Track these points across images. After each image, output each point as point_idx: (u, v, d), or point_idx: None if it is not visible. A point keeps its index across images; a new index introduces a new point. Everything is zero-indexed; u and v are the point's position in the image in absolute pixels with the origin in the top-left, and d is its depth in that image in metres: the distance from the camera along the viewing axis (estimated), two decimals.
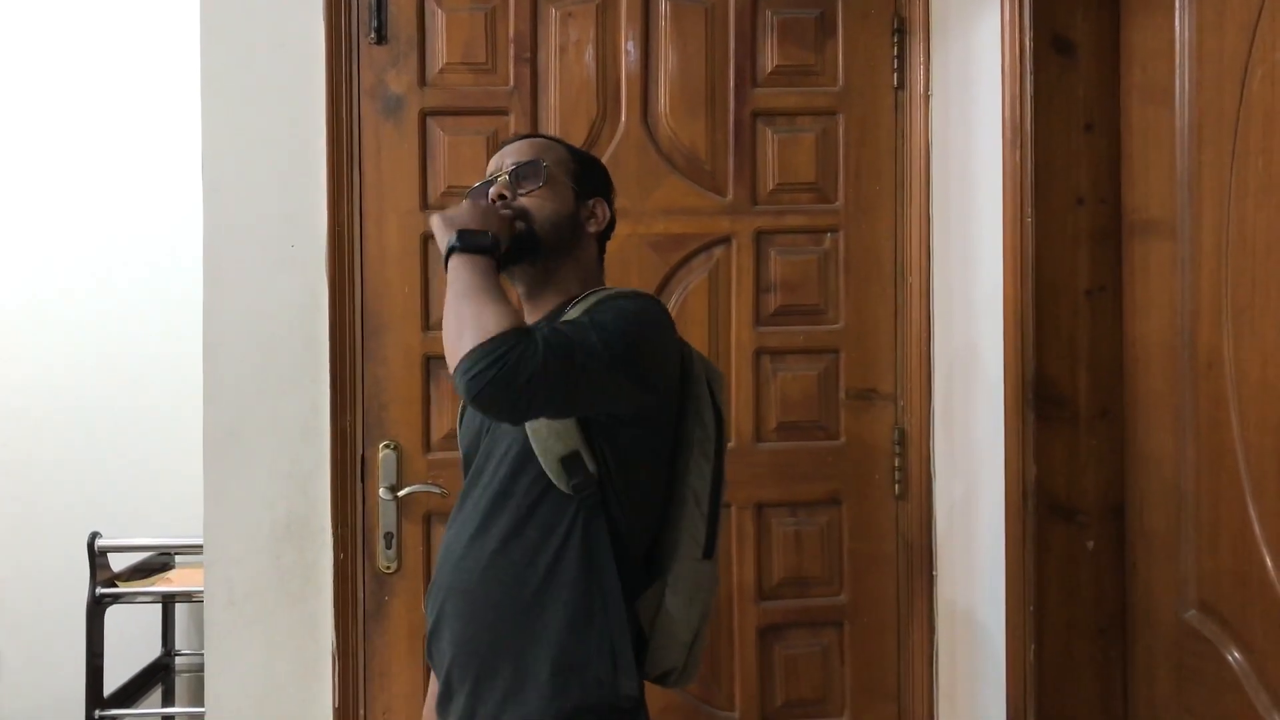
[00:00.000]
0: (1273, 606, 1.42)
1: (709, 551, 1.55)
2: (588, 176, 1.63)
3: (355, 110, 2.24)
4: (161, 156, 3.45)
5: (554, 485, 1.45)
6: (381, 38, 2.25)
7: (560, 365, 1.32)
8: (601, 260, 1.65)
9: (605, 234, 1.65)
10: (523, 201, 1.54)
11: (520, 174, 1.56)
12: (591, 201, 1.61)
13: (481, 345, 1.30)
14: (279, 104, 2.22)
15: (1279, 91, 1.40)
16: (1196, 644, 1.60)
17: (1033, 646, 1.83)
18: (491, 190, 1.55)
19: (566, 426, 1.45)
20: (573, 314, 1.48)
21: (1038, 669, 1.83)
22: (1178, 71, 1.65)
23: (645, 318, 1.46)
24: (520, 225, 1.52)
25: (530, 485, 1.47)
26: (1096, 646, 1.83)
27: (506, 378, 1.29)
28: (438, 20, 2.27)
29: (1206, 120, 1.58)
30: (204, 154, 2.21)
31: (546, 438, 1.46)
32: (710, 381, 1.58)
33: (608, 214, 1.64)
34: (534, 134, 1.69)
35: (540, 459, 1.45)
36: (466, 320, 1.33)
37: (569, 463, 1.44)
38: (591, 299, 1.50)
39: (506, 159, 1.59)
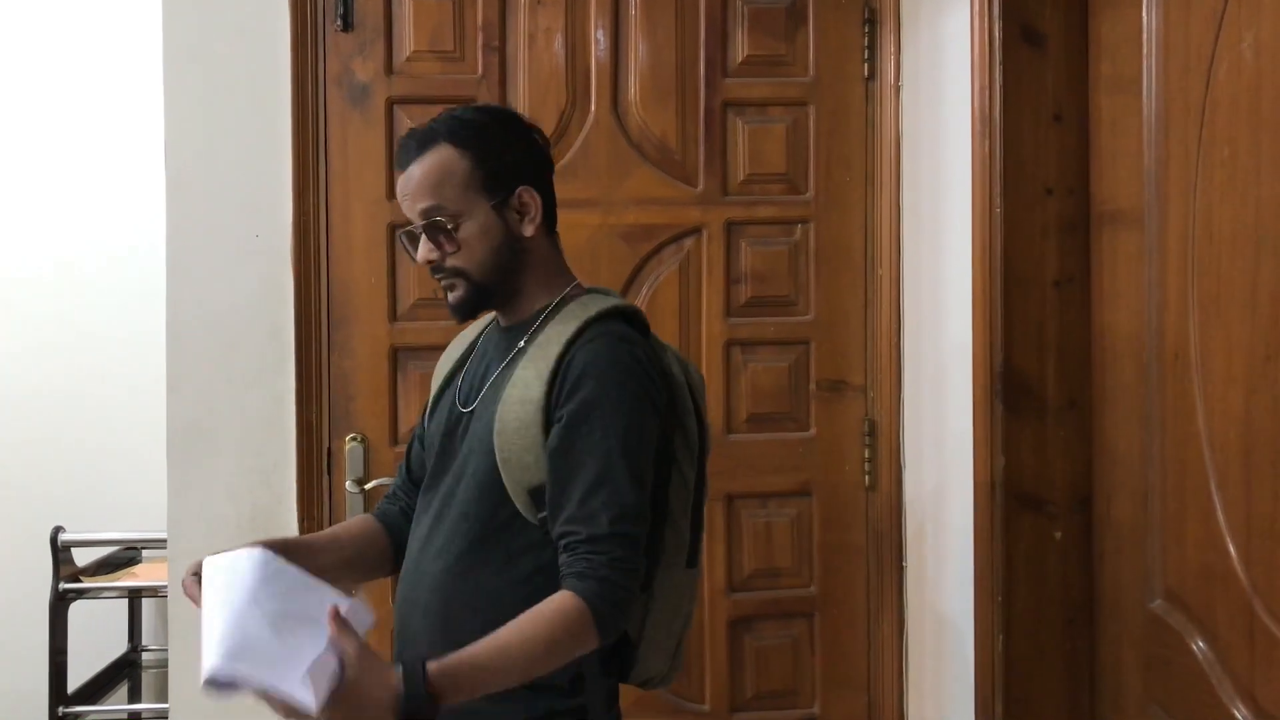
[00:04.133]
0: (1237, 596, 1.43)
1: (692, 560, 1.52)
2: (500, 172, 1.44)
3: (321, 98, 2.21)
4: (124, 145, 3.39)
5: (521, 513, 1.41)
6: (348, 24, 2.22)
7: (632, 565, 1.36)
8: (557, 245, 1.52)
9: (550, 215, 1.50)
10: (453, 263, 1.43)
11: (434, 233, 1.42)
12: (515, 197, 1.45)
13: (595, 632, 1.33)
14: (243, 91, 2.19)
15: (1245, 82, 1.40)
16: (1162, 633, 1.61)
17: (1001, 637, 1.84)
18: (419, 257, 1.45)
19: (537, 458, 1.39)
20: (550, 347, 1.41)
21: (1006, 659, 1.83)
22: (1145, 62, 1.65)
23: (632, 375, 1.40)
24: (461, 291, 1.45)
25: (496, 510, 1.42)
26: (1064, 636, 1.83)
27: (624, 613, 1.36)
28: (405, 7, 2.24)
29: (1173, 111, 1.58)
30: (167, 142, 2.18)
31: (516, 469, 1.40)
32: (692, 386, 1.53)
33: (537, 198, 1.46)
34: (419, 140, 1.44)
35: (508, 489, 1.40)
36: (542, 660, 1.32)
37: (538, 495, 1.40)
38: (569, 325, 1.42)
39: (413, 205, 1.43)
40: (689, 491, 1.51)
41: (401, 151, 1.46)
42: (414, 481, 1.60)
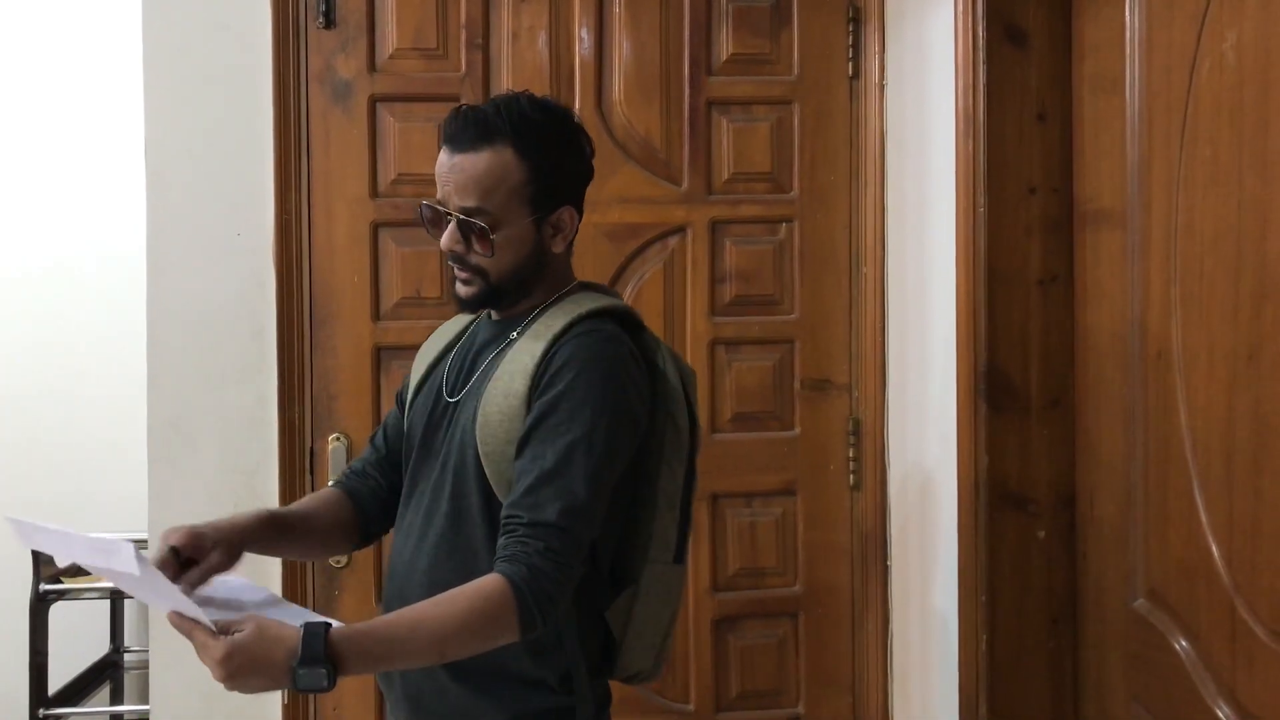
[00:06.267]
0: (1219, 595, 1.43)
1: (680, 556, 1.51)
2: (550, 189, 1.42)
3: (303, 96, 2.19)
4: (104, 143, 3.36)
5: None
6: (330, 21, 2.20)
7: (569, 561, 1.31)
8: (571, 255, 1.52)
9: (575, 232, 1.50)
10: (477, 261, 1.41)
11: (467, 230, 1.40)
12: (556, 215, 1.44)
13: (516, 621, 1.28)
14: (224, 89, 2.17)
15: (1226, 81, 1.41)
16: (1145, 632, 1.62)
17: (985, 636, 1.84)
18: (443, 243, 1.42)
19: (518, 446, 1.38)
20: (538, 341, 1.40)
21: (990, 658, 1.84)
22: (1128, 62, 1.66)
23: (612, 376, 1.38)
24: (475, 288, 1.43)
25: (485, 503, 1.40)
26: (1047, 635, 1.83)
27: (549, 609, 1.30)
28: (387, 3, 2.23)
29: (1156, 110, 1.58)
30: (147, 140, 2.16)
31: (499, 462, 1.38)
32: (685, 383, 1.51)
33: (577, 219, 1.47)
34: (481, 130, 1.39)
35: (491, 482, 1.39)
36: (462, 640, 1.27)
37: None
38: (559, 320, 1.41)
39: (453, 194, 1.40)
40: (677, 487, 1.50)
41: (459, 131, 1.40)
42: (387, 461, 1.59)
